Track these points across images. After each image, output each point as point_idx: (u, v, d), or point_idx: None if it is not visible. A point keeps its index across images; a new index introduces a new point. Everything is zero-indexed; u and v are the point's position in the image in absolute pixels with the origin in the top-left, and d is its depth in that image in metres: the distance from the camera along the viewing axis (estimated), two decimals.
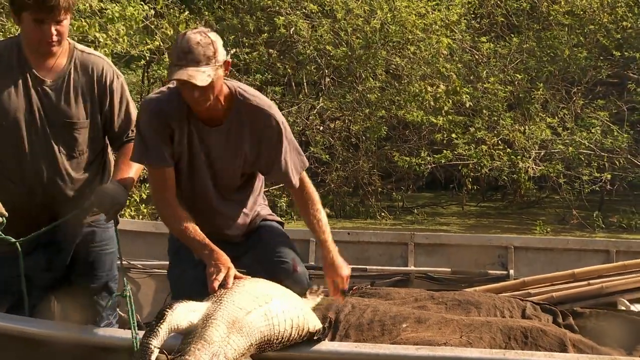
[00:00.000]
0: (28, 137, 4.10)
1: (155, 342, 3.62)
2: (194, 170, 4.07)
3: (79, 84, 4.18)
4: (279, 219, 4.39)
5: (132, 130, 4.24)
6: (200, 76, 3.71)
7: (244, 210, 4.18)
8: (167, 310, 3.61)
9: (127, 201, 4.44)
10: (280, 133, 3.95)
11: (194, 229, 3.93)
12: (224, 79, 3.91)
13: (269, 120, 3.95)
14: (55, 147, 4.16)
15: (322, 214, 4.18)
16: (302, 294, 4.13)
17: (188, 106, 3.88)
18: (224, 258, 3.82)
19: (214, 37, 3.82)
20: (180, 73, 3.70)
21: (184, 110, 3.92)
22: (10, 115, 4.05)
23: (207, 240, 3.87)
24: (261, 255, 4.12)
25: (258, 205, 4.23)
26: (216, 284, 3.74)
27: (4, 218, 3.89)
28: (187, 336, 3.68)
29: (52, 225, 4.02)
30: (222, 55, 3.80)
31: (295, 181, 4.05)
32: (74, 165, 4.21)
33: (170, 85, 3.96)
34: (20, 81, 4.09)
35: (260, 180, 4.19)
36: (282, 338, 3.94)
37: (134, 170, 4.22)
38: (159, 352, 3.70)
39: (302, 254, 4.83)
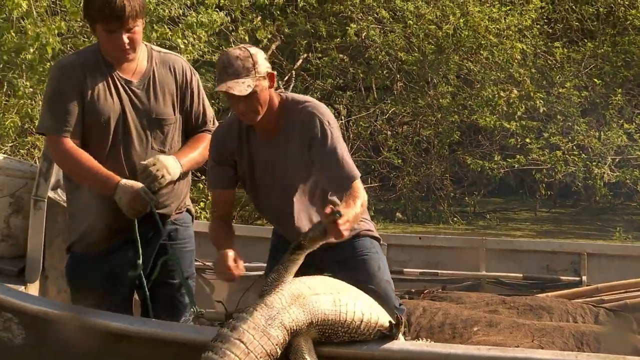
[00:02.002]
0: (122, 136, 4.22)
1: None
2: (264, 186, 4.20)
3: (163, 82, 4.31)
4: (376, 234, 4.42)
5: (206, 123, 4.40)
6: (239, 87, 3.84)
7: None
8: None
9: (191, 193, 4.57)
10: (326, 126, 4.03)
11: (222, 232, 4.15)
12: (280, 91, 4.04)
13: (314, 117, 4.05)
14: (149, 144, 4.28)
15: (352, 206, 3.91)
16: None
17: (246, 128, 4.03)
18: None
19: (254, 50, 3.96)
20: (221, 86, 3.86)
21: (242, 134, 4.09)
22: (105, 116, 4.18)
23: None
24: (346, 270, 4.16)
25: None
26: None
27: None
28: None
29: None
30: (263, 67, 3.93)
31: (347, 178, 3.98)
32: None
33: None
34: (110, 84, 4.22)
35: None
36: (349, 329, 4.00)
37: (198, 152, 4.37)
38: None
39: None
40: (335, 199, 3.75)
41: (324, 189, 4.11)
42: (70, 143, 4.17)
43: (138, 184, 4.08)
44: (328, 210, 3.60)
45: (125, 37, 4.09)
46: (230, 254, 3.91)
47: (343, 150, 4.03)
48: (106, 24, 4.08)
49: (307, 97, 4.12)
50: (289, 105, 4.04)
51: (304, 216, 4.21)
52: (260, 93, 3.91)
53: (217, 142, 4.17)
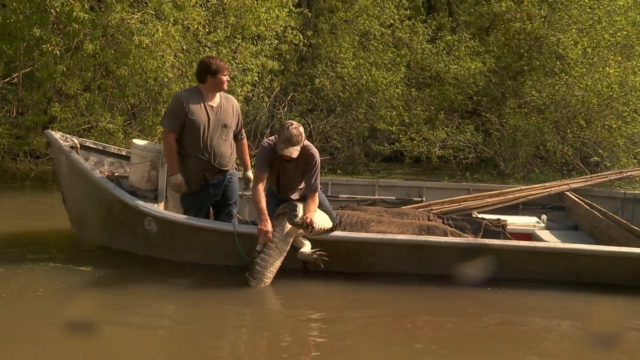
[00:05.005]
0: (208, 133, 4.24)
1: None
2: (280, 180, 4.22)
3: (227, 107, 4.32)
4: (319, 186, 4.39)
5: (242, 133, 4.42)
6: (294, 152, 3.91)
7: (300, 188, 4.26)
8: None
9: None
10: (316, 166, 4.06)
11: (262, 201, 4.04)
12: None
13: (312, 158, 4.06)
14: (220, 137, 4.29)
15: (312, 206, 4.04)
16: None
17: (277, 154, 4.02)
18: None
19: (301, 130, 3.93)
20: (285, 150, 3.89)
21: (276, 156, 4.07)
22: (201, 123, 4.20)
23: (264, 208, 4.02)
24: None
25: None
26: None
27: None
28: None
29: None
30: (303, 138, 3.96)
31: (314, 190, 4.10)
32: (227, 145, 4.35)
33: (271, 137, 4.11)
34: (203, 106, 4.22)
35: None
36: (318, 231, 4.09)
37: (247, 155, 4.52)
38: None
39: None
40: (301, 207, 3.99)
41: (304, 188, 4.16)
42: (172, 137, 4.22)
43: (180, 180, 4.16)
44: (305, 224, 3.89)
45: (224, 79, 4.10)
46: (269, 223, 3.97)
47: (317, 178, 4.04)
48: (223, 72, 4.10)
49: (311, 144, 4.09)
50: (302, 148, 4.04)
51: (295, 195, 4.25)
52: (300, 152, 3.97)
53: (265, 155, 4.08)
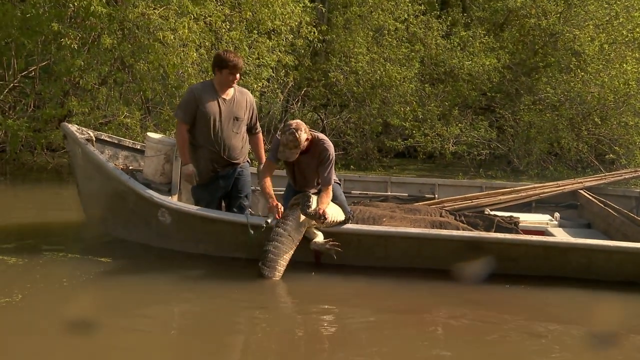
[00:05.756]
0: (219, 125, 4.27)
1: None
2: (295, 173, 4.24)
3: (240, 101, 4.34)
4: (337, 180, 4.44)
5: (257, 127, 4.43)
6: (292, 156, 3.96)
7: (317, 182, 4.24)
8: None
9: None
10: (329, 160, 4.08)
11: (269, 187, 4.11)
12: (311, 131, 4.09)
13: (326, 152, 4.06)
14: (231, 130, 4.31)
15: (325, 198, 4.05)
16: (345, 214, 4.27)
17: None
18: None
19: (298, 134, 3.93)
20: (283, 154, 3.97)
21: None
22: (212, 115, 4.23)
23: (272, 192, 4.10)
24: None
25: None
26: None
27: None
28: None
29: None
30: (302, 140, 3.95)
31: (328, 183, 4.11)
32: (238, 138, 4.36)
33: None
34: (216, 99, 4.24)
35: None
36: (330, 224, 4.10)
37: (262, 149, 4.55)
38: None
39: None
40: (315, 198, 4.00)
41: (318, 181, 4.16)
42: (184, 128, 4.25)
43: (192, 170, 4.19)
44: (318, 215, 3.89)
45: (231, 77, 4.13)
46: (280, 206, 4.02)
47: (331, 171, 4.07)
48: (231, 70, 4.12)
49: (325, 138, 4.12)
50: (315, 141, 4.10)
51: (310, 188, 4.24)
52: (299, 153, 4.00)
53: (275, 151, 4.11)
